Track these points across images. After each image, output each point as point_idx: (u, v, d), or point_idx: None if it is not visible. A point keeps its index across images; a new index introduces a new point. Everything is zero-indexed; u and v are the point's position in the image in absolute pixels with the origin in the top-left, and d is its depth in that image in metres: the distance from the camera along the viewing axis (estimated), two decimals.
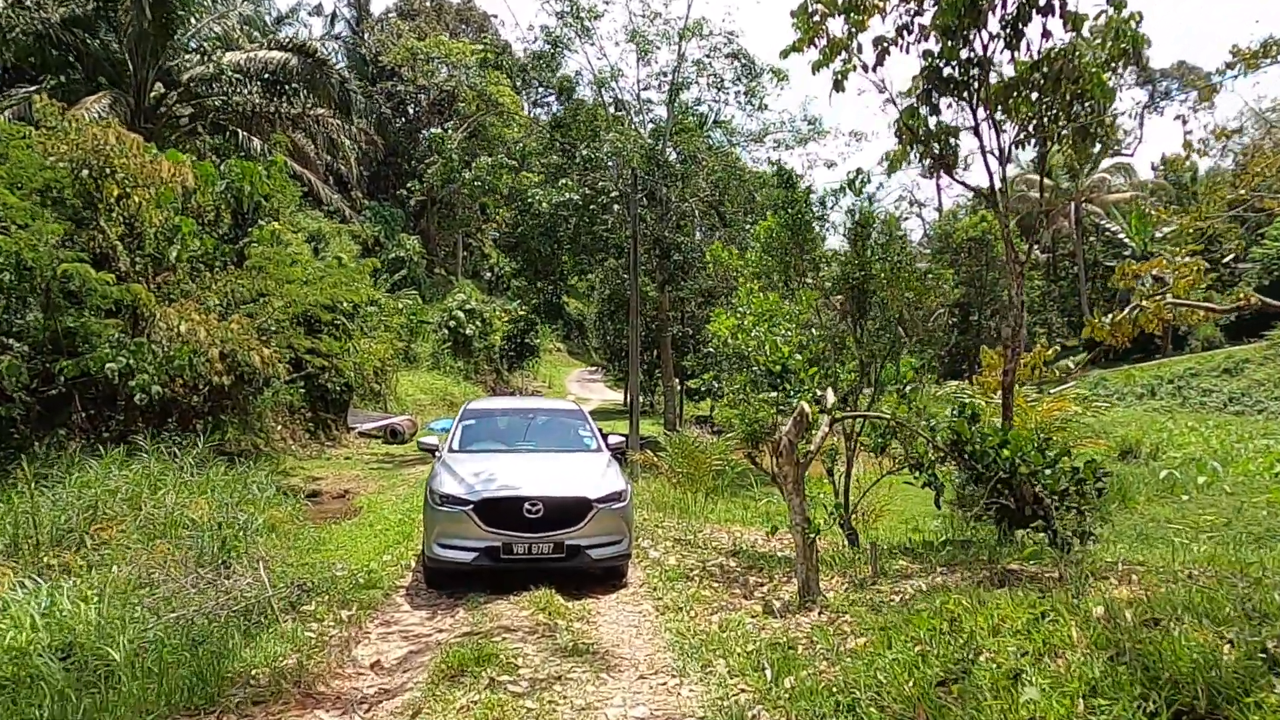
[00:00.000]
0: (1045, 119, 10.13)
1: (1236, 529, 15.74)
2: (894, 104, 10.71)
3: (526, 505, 7.85)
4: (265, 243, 18.55)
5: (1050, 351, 11.52)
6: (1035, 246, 49.11)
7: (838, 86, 10.38)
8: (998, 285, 40.46)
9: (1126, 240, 46.70)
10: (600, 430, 10.03)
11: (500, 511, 7.85)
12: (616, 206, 25.11)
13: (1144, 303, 10.22)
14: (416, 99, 56.84)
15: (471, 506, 7.85)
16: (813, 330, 9.17)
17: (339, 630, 6.90)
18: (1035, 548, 7.01)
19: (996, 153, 10.82)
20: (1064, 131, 10.20)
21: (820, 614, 6.62)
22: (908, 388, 6.85)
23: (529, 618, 6.91)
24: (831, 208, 10.80)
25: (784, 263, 10.19)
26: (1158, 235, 46.35)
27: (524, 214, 26.04)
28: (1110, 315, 10.80)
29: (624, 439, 9.72)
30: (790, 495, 6.81)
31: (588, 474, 8.45)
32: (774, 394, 7.68)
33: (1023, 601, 5.40)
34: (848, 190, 10.85)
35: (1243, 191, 12.92)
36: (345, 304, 24.11)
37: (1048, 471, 6.56)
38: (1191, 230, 14.04)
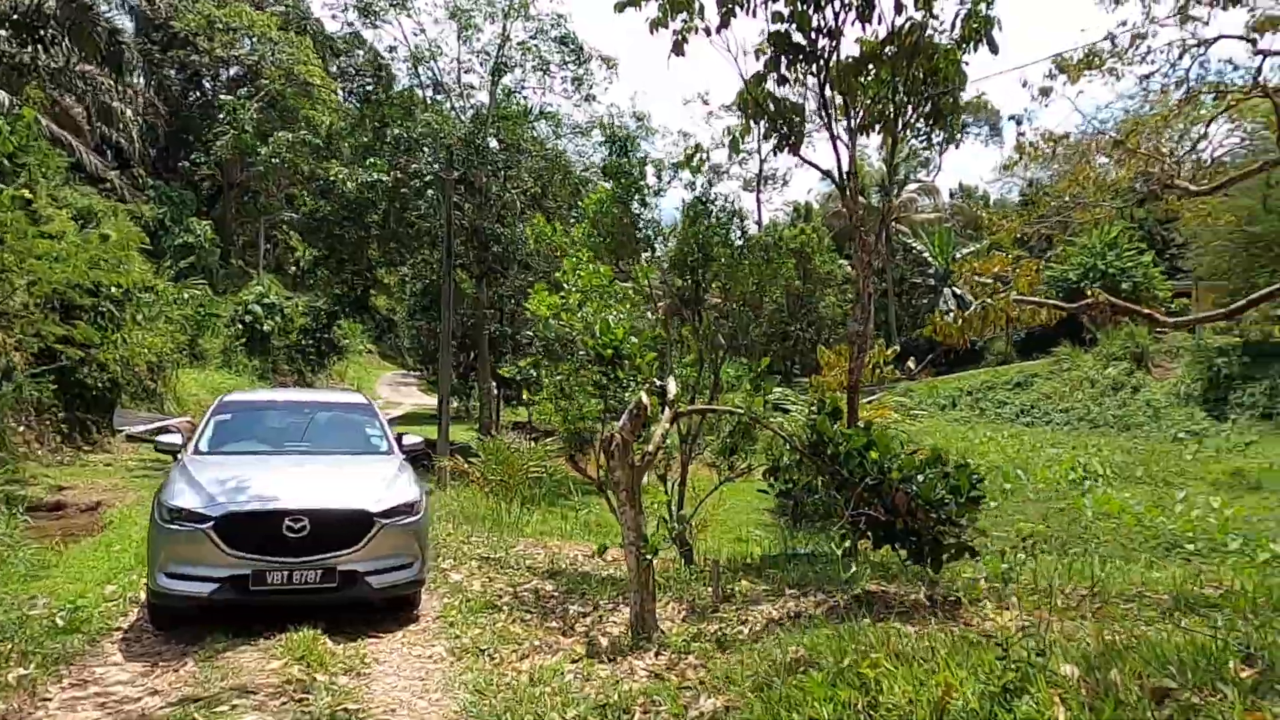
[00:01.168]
0: (896, 99, 9.44)
1: (1049, 534, 15.90)
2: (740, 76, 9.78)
3: (287, 521, 6.11)
4: (5, 209, 15.48)
5: (890, 351, 10.94)
6: (849, 263, 50.81)
7: (677, 49, 9.26)
8: (814, 297, 41.20)
9: (930, 259, 49.13)
10: (394, 431, 8.37)
11: (251, 530, 6.08)
12: (431, 192, 23.12)
13: (989, 300, 9.72)
14: (214, 72, 51.98)
15: (211, 524, 6.03)
16: (649, 314, 7.95)
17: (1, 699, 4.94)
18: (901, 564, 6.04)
19: (845, 137, 10.09)
20: (915, 114, 9.55)
21: (658, 654, 5.34)
22: (761, 380, 5.73)
23: (279, 671, 5.22)
24: (668, 182, 9.61)
25: (616, 239, 8.93)
26: (956, 256, 48.36)
27: (326, 195, 23.58)
28: (953, 315, 10.26)
29: (422, 441, 8.10)
30: (623, 507, 5.50)
31: (372, 482, 6.78)
32: (604, 384, 6.41)
33: (914, 648, 4.28)
34: (685, 169, 9.77)
35: (1066, 199, 12.95)
36: (112, 288, 20.94)
37: (919, 477, 5.61)
38: (1013, 236, 13.97)
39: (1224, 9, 12.86)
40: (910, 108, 9.49)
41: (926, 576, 6.32)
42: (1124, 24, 16.25)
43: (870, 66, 9.53)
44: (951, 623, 5.32)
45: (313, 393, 10.49)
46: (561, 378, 7.12)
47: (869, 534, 5.83)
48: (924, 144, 9.93)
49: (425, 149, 23.75)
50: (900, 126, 9.61)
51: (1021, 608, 5.61)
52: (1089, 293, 9.23)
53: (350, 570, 6.23)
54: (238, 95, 38.69)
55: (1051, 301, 9.75)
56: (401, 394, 49.89)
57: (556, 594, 7.39)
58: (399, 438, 8.09)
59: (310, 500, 6.29)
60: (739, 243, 9.31)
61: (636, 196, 9.60)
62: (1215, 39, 13.04)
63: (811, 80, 9.85)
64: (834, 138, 9.86)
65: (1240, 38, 12.68)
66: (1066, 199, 12.79)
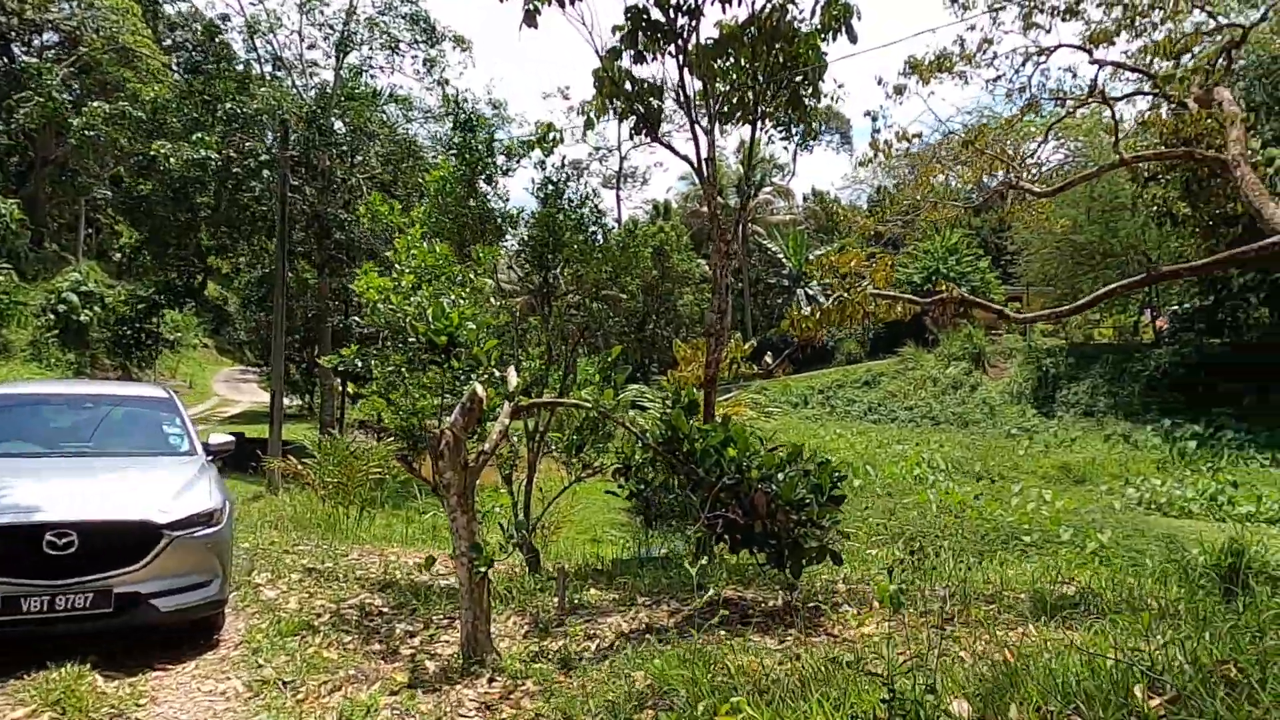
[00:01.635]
0: (756, 85, 9.13)
1: (894, 529, 16.16)
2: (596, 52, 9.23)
3: (49, 537, 5.11)
4: None
5: (748, 346, 10.63)
6: (706, 262, 51.30)
7: (529, 20, 8.64)
8: (672, 294, 41.26)
9: (784, 260, 50.19)
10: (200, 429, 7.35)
11: (2, 548, 5.05)
12: (267, 173, 21.46)
13: (845, 294, 9.55)
14: (26, 38, 47.28)
15: None
16: (493, 300, 7.27)
17: None
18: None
19: (704, 123, 9.71)
20: (774, 101, 9.27)
21: (491, 680, 4.70)
22: (611, 372, 5.19)
23: None
24: (518, 161, 8.96)
25: (460, 221, 8.20)
26: (810, 257, 49.42)
27: (149, 173, 21.53)
28: (810, 309, 10.07)
29: (232, 441, 7.11)
30: (454, 512, 4.84)
31: (161, 488, 5.81)
32: (439, 376, 5.70)
33: (778, 680, 3.83)
34: (537, 149, 9.13)
35: (919, 197, 13.10)
36: None
37: (779, 476, 5.22)
38: (866, 234, 14.04)
39: (1064, 20, 13.33)
40: (770, 94, 9.21)
41: (785, 581, 5.95)
42: (972, 28, 16.63)
43: (730, 50, 9.19)
44: (814, 634, 4.94)
45: (101, 385, 9.19)
46: (392, 369, 6.37)
47: (726, 537, 5.39)
48: (783, 134, 9.66)
49: (262, 127, 22.06)
50: (760, 114, 9.32)
51: (882, 614, 5.30)
52: (943, 287, 9.20)
53: (130, 592, 5.28)
54: (43, 59, 35.10)
55: (906, 296, 9.69)
56: (241, 391, 46.86)
57: (385, 610, 6.61)
58: (205, 437, 7.10)
59: (80, 511, 5.29)
60: (593, 229, 8.76)
61: (484, 175, 8.91)
62: (1056, 47, 13.46)
63: (671, 62, 9.43)
64: (693, 123, 9.47)
65: (1078, 47, 13.15)
66: (918, 198, 12.92)
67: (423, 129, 26.77)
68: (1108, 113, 11.74)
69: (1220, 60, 11.41)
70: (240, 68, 24.52)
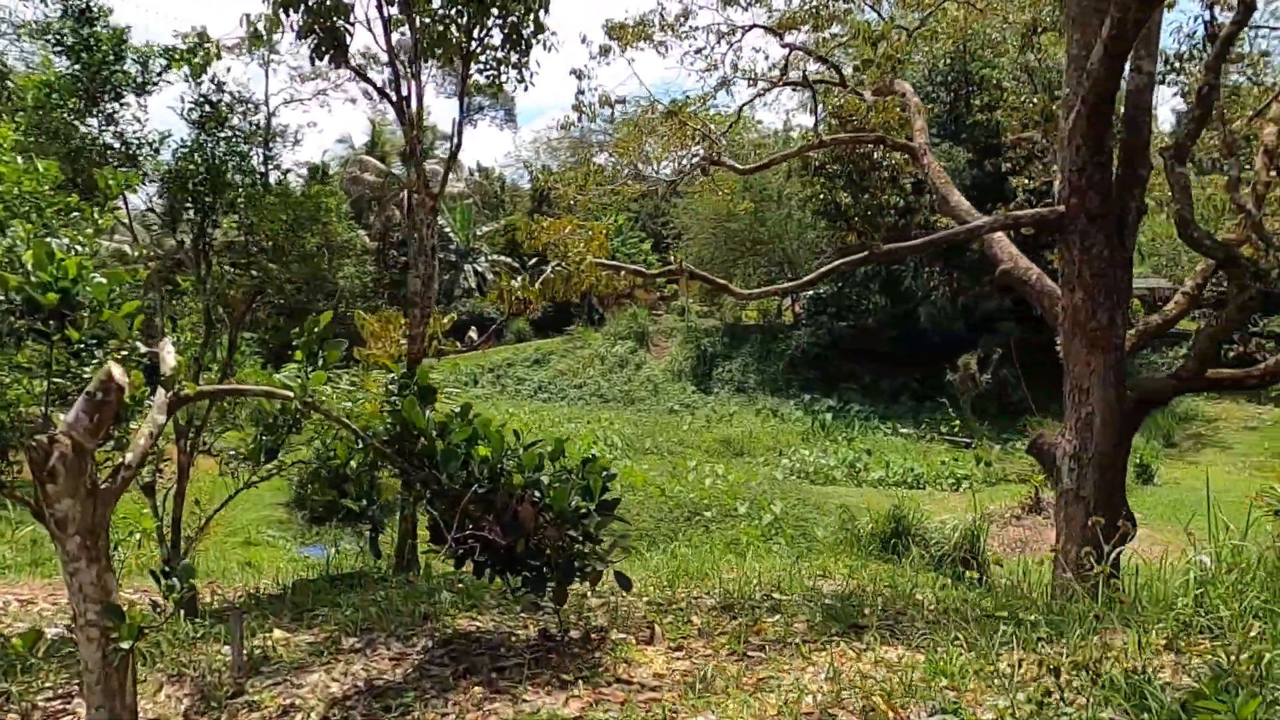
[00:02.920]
0: (469, 13, 7.83)
1: None
2: None
3: None
4: None
5: (447, 319, 9.35)
6: (367, 233, 48.08)
7: None
8: (334, 266, 37.85)
9: (452, 235, 48.49)
10: None
11: None
12: None
13: (563, 262, 8.62)
14: None
15: None
16: (129, 249, 5.34)
17: None
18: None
19: (404, 57, 8.23)
20: (488, 33, 8.03)
21: None
22: (319, 347, 3.74)
23: None
24: (160, 74, 6.84)
25: (72, 144, 6.04)
26: (478, 233, 48.16)
27: None
28: (520, 279, 9.04)
29: None
30: (76, 561, 3.15)
31: None
32: (47, 351, 3.85)
33: None
34: (185, 65, 7.09)
35: (622, 167, 12.57)
36: None
37: (545, 480, 4.11)
38: (568, 202, 13.28)
39: (758, 3, 13.44)
40: (483, 26, 7.96)
41: (531, 604, 4.87)
42: None
43: None
44: (597, 679, 3.91)
45: None
46: None
47: (480, 561, 4.17)
48: (492, 76, 8.42)
49: None
50: (470, 49, 8.03)
51: (668, 639, 4.41)
52: (674, 259, 8.60)
53: None
54: None
55: (632, 266, 8.99)
56: None
57: None
58: None
59: None
60: (265, 171, 6.98)
61: (109, 89, 6.73)
62: (750, 27, 13.57)
63: None
64: (392, 55, 7.96)
65: (769, 29, 13.33)
66: (622, 167, 12.37)
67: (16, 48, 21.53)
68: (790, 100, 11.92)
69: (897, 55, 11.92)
70: None
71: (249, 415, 6.16)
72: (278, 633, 5.15)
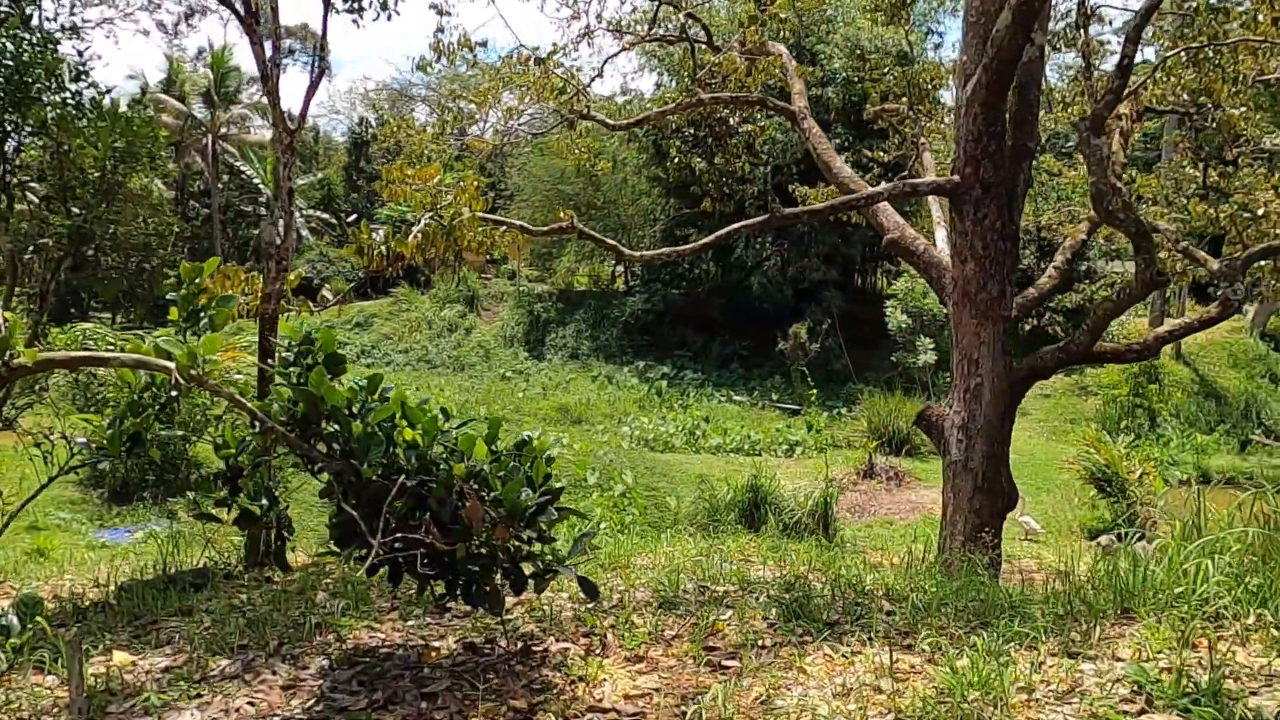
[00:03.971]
0: None
1: None
2: None
3: None
4: None
5: (294, 276, 8.16)
6: (163, 181, 43.67)
7: None
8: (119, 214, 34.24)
9: (261, 186, 44.94)
10: None
11: None
12: None
13: (436, 215, 7.75)
14: None
15: None
16: None
17: None
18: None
19: None
20: None
21: None
22: (207, 310, 2.84)
23: None
24: None
25: None
26: (291, 186, 45.37)
27: None
28: (380, 233, 8.11)
29: None
30: None
31: None
32: None
33: None
34: None
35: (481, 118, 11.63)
36: None
37: (486, 469, 3.41)
38: (420, 151, 12.26)
39: None
40: None
41: (501, 624, 4.17)
42: None
43: None
44: (553, 705, 3.28)
45: None
46: None
47: (403, 567, 3.42)
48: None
49: None
50: None
51: (620, 648, 3.84)
52: (563, 215, 7.90)
53: None
54: None
55: (517, 223, 8.18)
56: None
57: None
58: None
59: None
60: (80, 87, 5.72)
61: None
62: None
63: None
64: None
65: None
66: (481, 117, 11.44)
67: None
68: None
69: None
70: None
71: (64, 388, 5.01)
72: (119, 655, 4.16)
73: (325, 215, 47.86)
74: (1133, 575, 3.80)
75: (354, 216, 44.17)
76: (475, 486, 3.37)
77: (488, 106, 11.61)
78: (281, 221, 6.40)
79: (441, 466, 3.35)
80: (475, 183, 8.31)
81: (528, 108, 12.52)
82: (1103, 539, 14.73)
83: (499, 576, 3.41)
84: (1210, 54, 8.36)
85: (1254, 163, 11.23)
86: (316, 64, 6.84)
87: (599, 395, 29.57)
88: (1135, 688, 2.81)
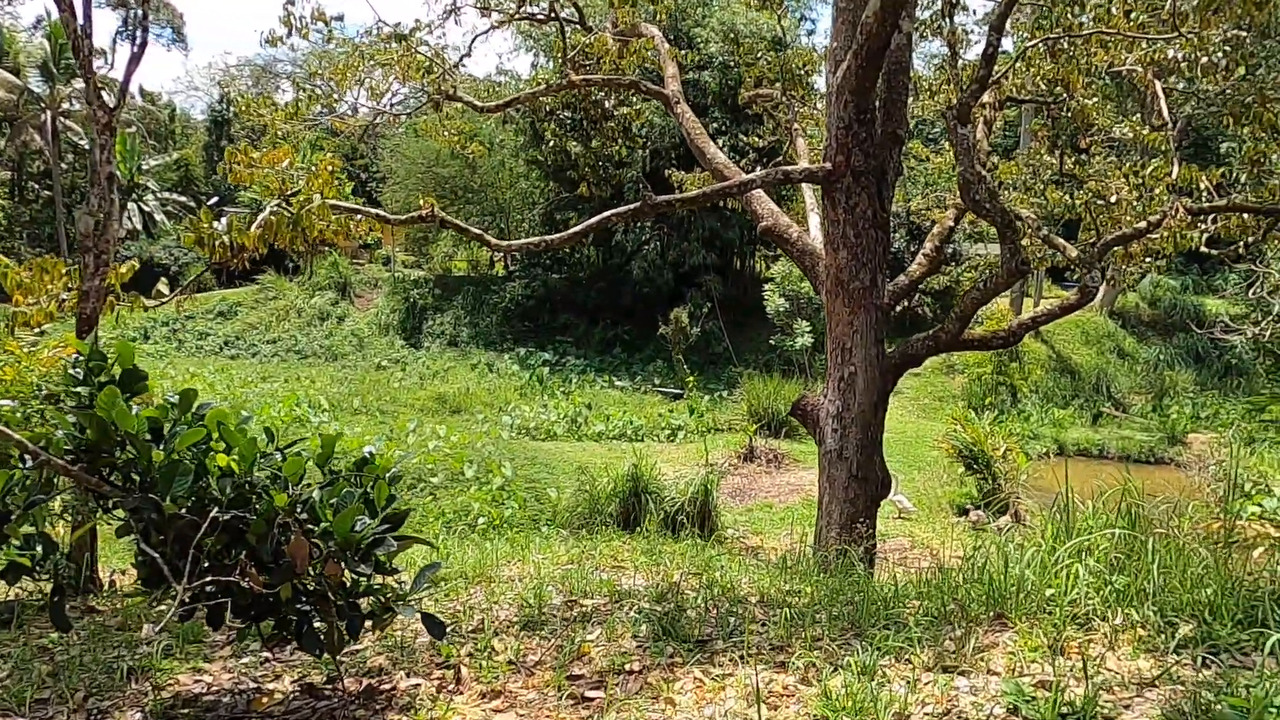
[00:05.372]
0: None
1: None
2: None
3: None
4: None
5: (126, 268, 7.37)
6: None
7: None
8: None
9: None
10: None
11: None
12: None
13: (284, 203, 7.19)
14: None
15: None
16: None
17: None
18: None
19: None
20: None
21: None
22: None
23: None
24: None
25: None
26: (144, 166, 42.45)
27: None
28: (229, 219, 7.45)
29: None
30: None
31: None
32: None
33: None
34: None
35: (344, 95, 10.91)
36: None
37: (318, 495, 3.02)
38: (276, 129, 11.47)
39: None
40: None
41: (282, 639, 3.74)
42: None
43: None
44: None
45: None
46: None
47: (220, 609, 2.99)
48: None
49: None
50: None
51: (476, 682, 3.52)
52: (423, 203, 7.41)
53: None
54: None
55: (373, 211, 7.65)
56: None
57: None
58: None
59: None
60: None
61: None
62: None
63: None
64: None
65: None
66: (340, 96, 10.76)
67: None
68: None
69: None
70: None
71: None
72: None
73: (183, 198, 45.09)
74: (1004, 576, 3.73)
75: (214, 200, 41.74)
76: (303, 517, 2.97)
77: (346, 85, 10.92)
78: (100, 210, 5.74)
79: (263, 496, 2.95)
80: (330, 166, 7.75)
81: (393, 87, 11.85)
82: (971, 514, 15.29)
83: (334, 617, 3.03)
84: (1066, 45, 8.55)
85: (1105, 151, 11.68)
86: (139, 36, 6.17)
87: (479, 384, 28.91)
88: (1011, 709, 2.69)
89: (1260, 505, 14.28)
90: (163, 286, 7.53)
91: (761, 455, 19.82)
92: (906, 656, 3.29)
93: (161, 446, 2.92)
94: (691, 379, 26.42)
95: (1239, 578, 3.56)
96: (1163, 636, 3.16)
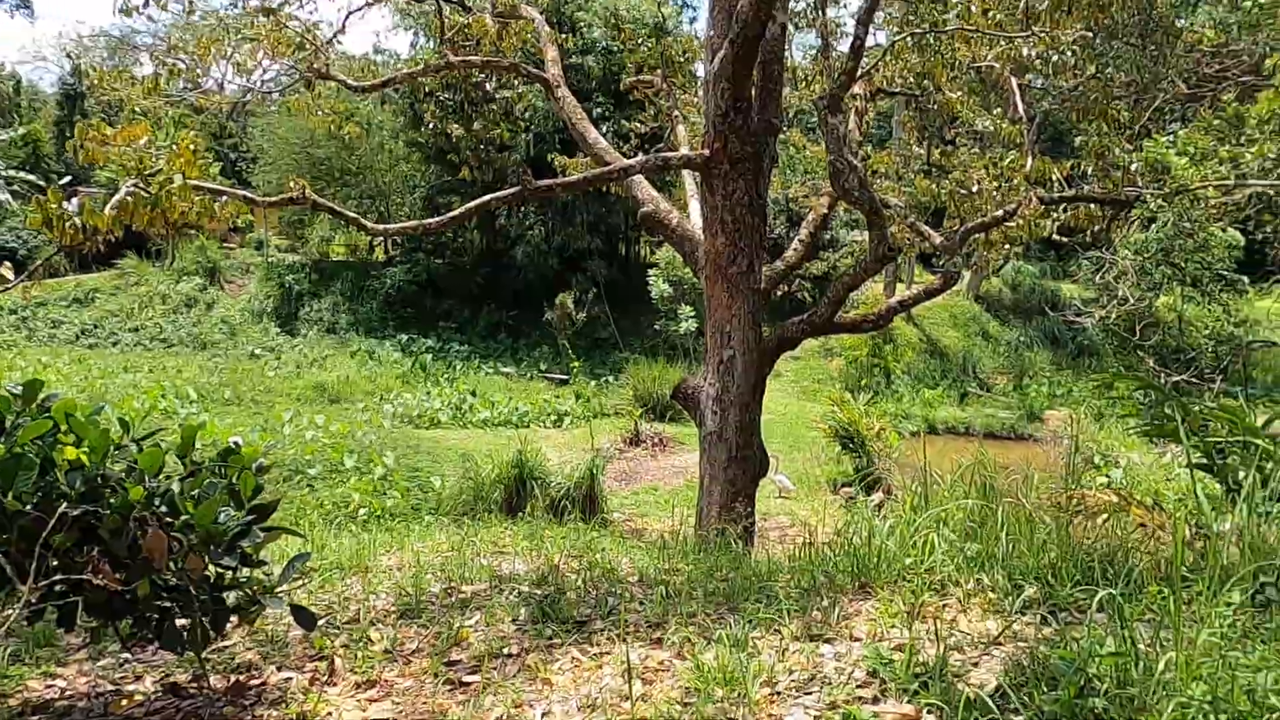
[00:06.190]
0: None
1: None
2: None
3: None
4: None
5: None
6: None
7: None
8: None
9: None
10: None
11: None
12: None
13: (147, 181, 6.83)
14: None
15: None
16: None
17: None
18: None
19: None
20: None
21: None
22: None
23: None
24: None
25: None
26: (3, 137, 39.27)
27: None
28: (81, 201, 7.02)
29: None
30: None
31: None
32: None
33: None
34: None
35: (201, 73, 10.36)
36: None
37: (178, 488, 2.90)
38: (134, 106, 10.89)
39: None
40: None
41: (198, 664, 3.60)
42: None
43: None
44: None
45: None
46: None
47: (71, 610, 2.84)
48: None
49: None
50: None
51: (351, 673, 3.47)
52: (294, 185, 7.15)
53: None
54: None
55: (240, 193, 7.30)
56: None
57: None
58: None
59: None
60: None
61: None
62: None
63: None
64: None
65: None
66: (203, 72, 10.24)
67: None
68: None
69: None
70: None
71: None
72: None
73: (31, 176, 42.03)
74: (869, 548, 3.91)
75: (67, 179, 39.09)
76: (162, 510, 2.86)
77: (211, 61, 10.41)
78: None
79: (118, 490, 2.82)
80: (192, 145, 7.39)
81: (262, 64, 11.35)
82: (845, 491, 15.89)
83: (197, 612, 2.92)
84: (931, 40, 8.94)
85: (970, 143, 12.28)
86: None
87: (359, 371, 28.13)
88: (871, 672, 2.83)
89: (1107, 476, 15.33)
90: (7, 271, 7.01)
91: (647, 439, 20.04)
92: (776, 627, 3.42)
93: (2, 440, 2.75)
94: (577, 364, 26.42)
95: (1079, 542, 3.84)
96: (1010, 599, 3.38)
